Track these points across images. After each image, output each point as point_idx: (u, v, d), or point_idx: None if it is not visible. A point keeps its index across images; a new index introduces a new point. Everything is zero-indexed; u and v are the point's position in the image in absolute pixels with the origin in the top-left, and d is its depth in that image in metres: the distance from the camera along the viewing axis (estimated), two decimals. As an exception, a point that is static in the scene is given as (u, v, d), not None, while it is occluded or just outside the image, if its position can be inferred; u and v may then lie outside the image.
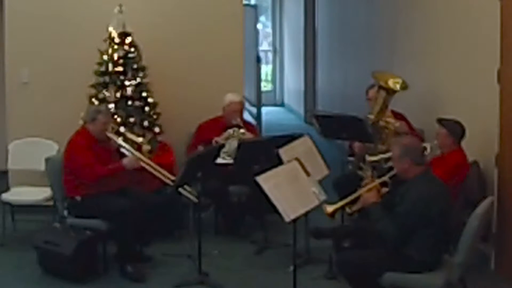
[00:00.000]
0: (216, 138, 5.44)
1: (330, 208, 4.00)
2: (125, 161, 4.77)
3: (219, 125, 5.62)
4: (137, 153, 4.89)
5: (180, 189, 4.71)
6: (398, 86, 4.95)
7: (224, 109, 5.66)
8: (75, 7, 6.02)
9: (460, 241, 3.59)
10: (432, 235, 3.60)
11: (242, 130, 5.51)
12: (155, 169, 4.89)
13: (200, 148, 5.47)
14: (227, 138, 5.47)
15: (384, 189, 3.97)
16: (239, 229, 5.57)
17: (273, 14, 14.20)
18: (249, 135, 5.50)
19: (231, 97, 5.66)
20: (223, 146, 5.15)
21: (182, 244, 5.16)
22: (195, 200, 4.75)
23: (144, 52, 5.74)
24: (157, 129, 5.68)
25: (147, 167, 4.88)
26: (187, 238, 5.15)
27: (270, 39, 14.43)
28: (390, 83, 4.95)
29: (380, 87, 4.94)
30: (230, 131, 5.52)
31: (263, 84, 12.10)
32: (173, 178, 4.83)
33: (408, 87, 4.99)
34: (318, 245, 4.82)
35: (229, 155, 5.31)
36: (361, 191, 3.99)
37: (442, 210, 3.63)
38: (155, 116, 5.72)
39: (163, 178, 4.89)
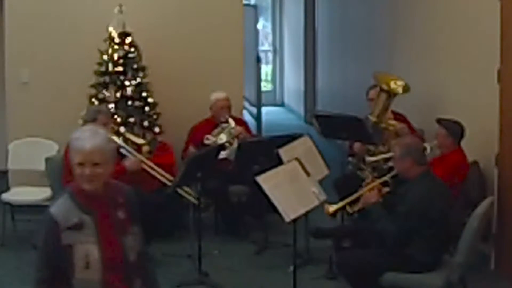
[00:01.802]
0: (207, 135, 5.46)
1: (331, 208, 4.00)
2: (127, 162, 4.77)
3: (210, 125, 5.63)
4: (137, 154, 4.89)
5: (179, 191, 4.72)
6: (400, 89, 4.92)
7: (211, 109, 5.67)
8: (75, 7, 6.02)
9: (460, 241, 3.59)
10: (432, 235, 3.60)
11: (232, 124, 5.51)
12: (154, 170, 4.89)
13: (191, 149, 5.48)
14: (218, 134, 5.49)
15: (385, 189, 3.97)
16: (239, 229, 5.57)
17: (273, 14, 14.19)
18: (239, 128, 5.51)
19: (216, 95, 5.67)
20: (221, 147, 5.16)
21: (182, 244, 5.16)
22: (194, 201, 4.76)
23: (144, 52, 5.74)
24: (157, 129, 5.68)
25: (146, 167, 4.88)
26: (187, 238, 5.15)
27: (270, 39, 14.42)
28: (392, 85, 4.92)
29: (381, 90, 4.92)
30: (220, 126, 5.53)
31: (263, 84, 12.10)
32: (171, 179, 4.83)
33: (410, 89, 4.98)
34: (318, 245, 4.82)
35: (222, 149, 5.30)
36: (362, 191, 3.99)
37: (442, 210, 3.63)
38: (155, 116, 5.72)
39: (162, 179, 4.89)
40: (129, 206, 2.63)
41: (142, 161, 4.87)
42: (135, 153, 4.91)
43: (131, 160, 4.81)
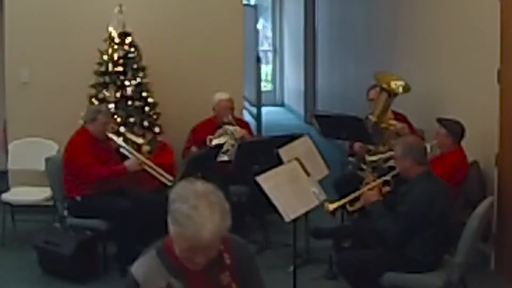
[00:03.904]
0: (210, 136, 5.45)
1: (331, 206, 4.00)
2: (127, 163, 4.77)
3: (212, 125, 5.62)
4: (136, 154, 4.90)
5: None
6: (400, 89, 4.92)
7: (214, 109, 5.67)
8: (75, 7, 6.02)
9: (460, 241, 3.59)
10: (433, 235, 3.60)
11: (236, 128, 5.50)
12: (154, 170, 4.89)
13: (194, 149, 5.47)
14: (220, 136, 5.48)
15: (386, 189, 3.97)
16: (239, 229, 5.54)
17: (273, 14, 14.19)
18: (243, 131, 5.50)
19: (219, 95, 5.66)
20: (221, 146, 5.16)
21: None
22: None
23: (144, 52, 5.74)
24: (157, 129, 5.68)
25: (146, 167, 4.88)
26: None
27: (270, 39, 14.42)
28: (392, 85, 4.92)
29: (382, 89, 4.92)
30: (223, 128, 5.52)
31: (263, 84, 12.09)
32: (171, 178, 4.83)
33: (410, 89, 4.98)
34: (318, 245, 4.82)
35: (224, 152, 5.29)
36: (363, 189, 3.99)
37: (443, 210, 3.62)
38: (155, 116, 5.72)
39: (161, 178, 4.89)
40: (237, 269, 2.11)
41: (142, 161, 4.87)
42: (135, 153, 4.91)
43: (131, 160, 4.81)
